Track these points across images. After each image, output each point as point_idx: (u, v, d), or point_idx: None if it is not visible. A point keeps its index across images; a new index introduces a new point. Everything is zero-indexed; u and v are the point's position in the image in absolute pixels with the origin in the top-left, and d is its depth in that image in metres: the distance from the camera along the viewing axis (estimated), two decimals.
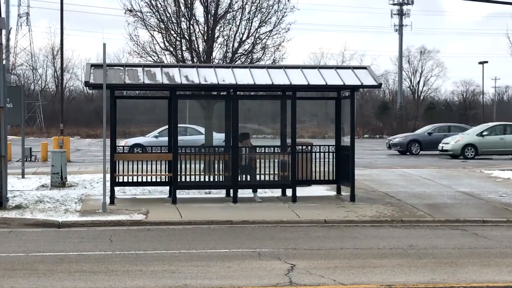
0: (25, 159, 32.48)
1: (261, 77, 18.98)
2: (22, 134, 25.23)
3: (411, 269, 11.46)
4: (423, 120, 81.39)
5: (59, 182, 21.51)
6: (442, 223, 16.79)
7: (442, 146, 38.41)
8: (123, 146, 21.35)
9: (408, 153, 41.38)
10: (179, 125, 36.18)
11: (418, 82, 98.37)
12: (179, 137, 33.61)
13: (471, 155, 37.24)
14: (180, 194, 20.24)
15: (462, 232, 15.57)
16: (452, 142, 37.92)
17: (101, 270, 11.25)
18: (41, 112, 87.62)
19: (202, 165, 19.50)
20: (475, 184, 22.91)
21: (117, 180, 19.60)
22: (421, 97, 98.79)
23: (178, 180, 19.04)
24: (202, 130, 31.42)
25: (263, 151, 19.74)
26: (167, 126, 35.50)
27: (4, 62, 18.03)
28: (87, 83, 18.49)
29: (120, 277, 10.76)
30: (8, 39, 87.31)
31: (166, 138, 33.13)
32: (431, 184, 22.86)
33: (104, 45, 17.69)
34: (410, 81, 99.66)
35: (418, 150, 41.45)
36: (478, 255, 12.83)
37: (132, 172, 19.73)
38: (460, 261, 12.11)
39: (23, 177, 23.86)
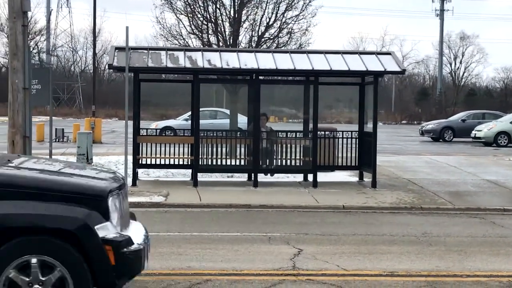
0: (56, 140, 33.05)
1: (284, 62, 18.98)
2: (50, 115, 25.38)
3: (418, 256, 11.43)
4: (463, 107, 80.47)
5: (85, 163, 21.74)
6: (462, 211, 16.69)
7: (475, 134, 38.07)
8: (153, 129, 21.65)
9: (441, 140, 41.09)
10: (209, 108, 36.67)
11: (458, 68, 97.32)
12: (209, 121, 34.14)
13: (504, 142, 36.86)
14: (203, 177, 20.36)
15: (480, 220, 15.48)
16: (485, 129, 37.56)
17: None
18: (81, 93, 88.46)
19: (224, 149, 19.57)
20: (502, 172, 22.71)
21: (140, 162, 19.82)
22: (461, 83, 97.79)
23: (200, 163, 19.17)
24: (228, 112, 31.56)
25: (284, 135, 19.76)
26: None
27: (30, 43, 18.21)
28: (110, 66, 18.68)
29: None
30: (48, 21, 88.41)
31: None
32: (456, 171, 22.71)
33: (127, 28, 17.83)
34: (451, 66, 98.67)
35: (451, 137, 41.13)
36: (490, 243, 12.75)
37: (156, 155, 19.92)
38: (470, 250, 12.05)
39: (50, 157, 24.11)
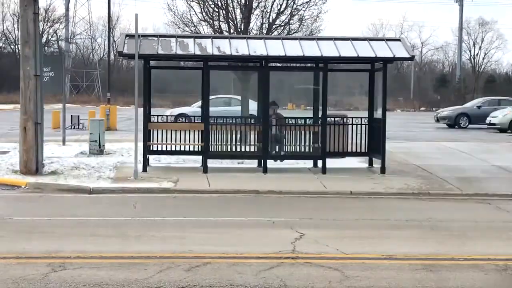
0: (72, 127, 33.34)
1: (293, 48, 19.08)
2: (63, 102, 25.79)
3: (419, 240, 11.55)
4: (483, 94, 79.87)
5: (97, 149, 22.01)
6: (469, 197, 16.74)
7: (490, 120, 37.96)
8: (167, 116, 21.80)
9: (456, 127, 41.00)
10: (223, 96, 36.79)
11: (477, 54, 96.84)
12: (223, 108, 34.27)
13: None
14: (214, 163, 20.53)
15: (486, 206, 15.55)
16: (500, 115, 37.44)
17: (114, 234, 11.60)
18: (99, 81, 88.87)
19: (234, 135, 19.69)
20: None
21: (151, 149, 20.03)
22: (481, 70, 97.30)
23: (209, 149, 19.34)
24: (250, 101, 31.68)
25: (294, 122, 19.88)
26: (212, 97, 36.11)
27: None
28: (120, 53, 18.85)
29: (131, 241, 11.09)
30: (67, 9, 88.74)
31: (211, 109, 33.70)
32: (467, 157, 22.74)
33: (136, 15, 17.99)
34: (470, 53, 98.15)
35: (467, 124, 41.04)
36: (492, 228, 12.85)
37: (166, 141, 20.10)
38: (471, 234, 12.16)
39: (63, 144, 24.45)
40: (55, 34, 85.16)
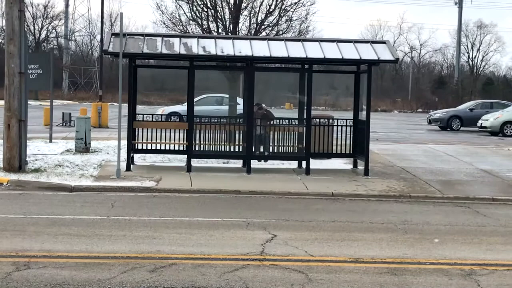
0: (64, 124, 33.38)
1: (278, 49, 19.11)
2: (51, 99, 25.81)
3: (390, 244, 11.58)
4: (480, 96, 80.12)
5: (83, 147, 22.06)
6: (450, 200, 16.78)
7: (481, 123, 37.98)
8: (158, 114, 21.89)
9: (448, 129, 41.03)
10: (215, 95, 36.78)
11: (475, 56, 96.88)
12: (215, 107, 34.29)
13: (510, 132, 36.76)
14: (199, 163, 20.62)
15: (465, 209, 15.57)
16: (491, 119, 37.46)
17: (86, 234, 11.62)
18: (97, 78, 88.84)
19: (218, 135, 19.70)
20: (497, 162, 22.75)
21: (136, 147, 20.07)
22: (479, 72, 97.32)
23: (194, 149, 19.38)
24: (240, 100, 31.72)
25: (278, 123, 19.92)
26: (204, 95, 36.18)
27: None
28: (105, 52, 18.89)
29: (101, 241, 11.12)
30: (66, 6, 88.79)
31: (203, 107, 33.83)
32: (452, 160, 22.77)
33: (121, 14, 18.05)
34: (468, 56, 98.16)
35: (459, 126, 41.06)
36: (466, 232, 12.87)
37: (151, 140, 20.14)
38: (443, 238, 12.18)
39: (50, 141, 24.48)
40: (54, 30, 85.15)
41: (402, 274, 9.64)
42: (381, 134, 34.40)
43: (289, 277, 9.37)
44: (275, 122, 19.97)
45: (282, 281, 9.15)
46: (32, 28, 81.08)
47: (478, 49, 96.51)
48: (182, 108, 36.39)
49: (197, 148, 19.50)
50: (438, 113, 43.47)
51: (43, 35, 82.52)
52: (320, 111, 52.85)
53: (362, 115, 20.43)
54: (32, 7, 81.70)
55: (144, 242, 11.11)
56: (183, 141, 20.10)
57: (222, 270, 9.53)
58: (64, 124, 34.27)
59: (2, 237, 11.22)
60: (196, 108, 32.77)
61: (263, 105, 20.49)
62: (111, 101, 56.53)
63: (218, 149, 19.71)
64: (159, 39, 19.37)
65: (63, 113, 35.53)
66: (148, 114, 21.02)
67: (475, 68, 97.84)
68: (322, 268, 9.82)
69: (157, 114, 22.15)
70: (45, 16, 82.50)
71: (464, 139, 33.78)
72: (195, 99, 36.74)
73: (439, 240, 11.94)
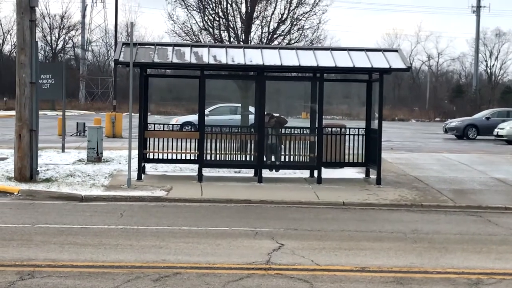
0: (78, 134, 33.48)
1: (289, 58, 19.08)
2: (63, 109, 25.89)
3: (398, 253, 11.48)
4: (499, 105, 79.61)
5: (95, 157, 22.10)
6: (462, 209, 16.65)
7: (497, 132, 37.73)
8: (171, 124, 21.96)
9: (464, 138, 40.81)
10: (229, 104, 36.79)
11: (493, 65, 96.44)
12: (229, 116, 34.29)
13: None
14: (211, 172, 20.59)
15: (476, 218, 15.44)
16: (507, 127, 37.21)
17: (92, 243, 11.60)
18: (113, 88, 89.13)
19: (230, 144, 19.65)
20: None
21: (148, 157, 20.07)
22: (497, 81, 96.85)
23: (206, 158, 19.36)
24: (252, 109, 31.71)
25: (290, 132, 19.87)
26: (218, 105, 36.21)
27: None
28: (116, 61, 18.91)
29: (107, 250, 11.09)
30: (83, 16, 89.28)
31: (217, 117, 33.88)
32: (466, 169, 22.60)
33: (132, 24, 18.07)
34: (486, 64, 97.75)
35: (475, 135, 40.84)
36: (476, 241, 12.75)
37: (162, 149, 20.14)
38: (452, 247, 12.07)
39: (63, 151, 24.54)
40: (71, 41, 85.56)
41: (408, 283, 9.55)
42: (396, 143, 34.24)
43: (294, 286, 9.30)
44: (287, 131, 19.89)
45: None
46: (49, 38, 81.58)
47: (496, 58, 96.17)
48: (195, 117, 36.29)
49: (208, 158, 19.48)
50: (454, 122, 43.24)
51: (60, 46, 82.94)
52: (336, 120, 52.77)
53: (375, 124, 20.33)
54: (49, 17, 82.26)
55: (150, 252, 11.08)
56: (195, 150, 20.07)
57: (227, 279, 9.47)
58: (78, 134, 34.38)
59: (8, 246, 11.22)
60: (210, 117, 33.20)
61: (274, 114, 20.41)
62: (126, 111, 56.64)
63: (229, 159, 19.68)
64: (170, 48, 19.39)
65: (77, 123, 35.66)
66: (159, 124, 21.01)
67: (493, 76, 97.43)
68: (328, 277, 9.74)
69: (169, 124, 22.13)
70: (62, 26, 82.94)
71: (480, 147, 33.58)
72: (209, 109, 37.05)
73: (448, 249, 11.82)
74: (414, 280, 9.72)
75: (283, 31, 23.91)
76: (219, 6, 23.51)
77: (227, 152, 19.63)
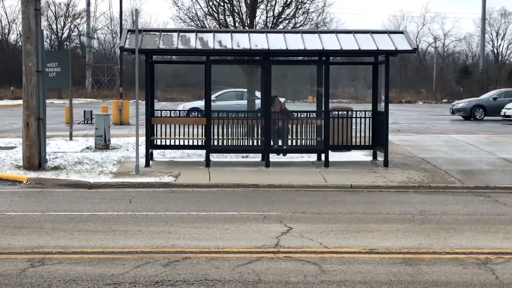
0: (85, 122, 33.56)
1: (295, 42, 19.06)
2: (70, 97, 25.93)
3: (406, 234, 11.51)
4: (506, 85, 79.41)
5: (103, 144, 22.15)
6: (469, 190, 16.67)
7: (505, 112, 37.66)
8: (178, 110, 22.03)
9: (471, 119, 40.74)
10: (235, 89, 36.78)
11: (499, 45, 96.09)
12: (235, 102, 34.30)
13: None
14: (218, 158, 20.64)
15: (484, 198, 15.46)
16: None
17: (102, 229, 11.67)
18: (119, 76, 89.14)
19: (237, 129, 19.69)
20: None
21: (155, 143, 20.12)
22: (504, 61, 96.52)
23: (212, 144, 19.41)
24: (258, 94, 31.69)
25: (296, 116, 19.88)
26: (224, 90, 36.19)
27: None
28: (121, 48, 18.92)
29: (117, 236, 11.16)
30: (88, 4, 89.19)
31: (223, 102, 33.90)
32: (473, 150, 22.59)
33: (136, 10, 18.08)
34: (493, 44, 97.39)
35: (482, 116, 40.77)
36: (484, 221, 12.77)
37: (170, 136, 20.18)
38: (460, 227, 12.09)
39: (70, 139, 24.61)
40: (76, 29, 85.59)
41: (416, 264, 9.58)
42: (403, 125, 34.20)
43: (302, 268, 9.34)
44: (293, 115, 19.91)
45: (295, 273, 9.13)
46: (54, 27, 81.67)
47: (503, 37, 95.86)
48: (202, 103, 36.28)
49: (215, 143, 19.54)
50: (461, 103, 43.16)
51: (65, 34, 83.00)
52: (342, 103, 52.77)
53: (381, 106, 20.33)
54: (54, 6, 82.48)
55: (160, 237, 11.13)
56: (202, 136, 20.11)
57: (236, 263, 9.52)
58: (85, 122, 34.45)
59: (19, 234, 11.29)
60: (217, 103, 33.21)
61: (280, 99, 20.43)
62: (133, 99, 56.68)
63: (236, 144, 19.71)
64: (175, 34, 19.39)
65: (84, 111, 35.72)
66: (166, 110, 21.04)
67: (500, 56, 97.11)
68: (336, 260, 9.79)
69: (175, 110, 22.16)
70: (67, 15, 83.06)
71: (487, 128, 33.54)
72: (216, 94, 37.04)
73: (456, 230, 11.85)
74: (423, 261, 9.76)
75: (288, 15, 23.89)
76: None
77: (234, 137, 19.66)
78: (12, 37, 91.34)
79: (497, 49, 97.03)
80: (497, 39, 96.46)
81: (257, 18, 23.87)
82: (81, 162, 19.40)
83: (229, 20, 23.76)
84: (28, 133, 18.36)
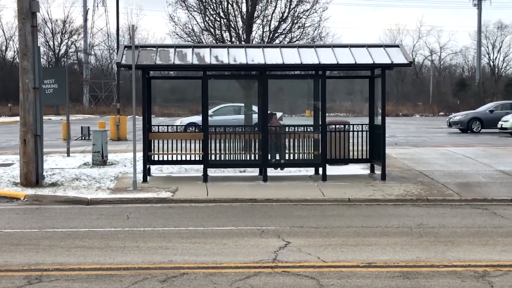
0: (83, 138, 33.56)
1: (291, 56, 19.10)
2: (67, 113, 25.93)
3: (404, 247, 11.50)
4: (502, 98, 79.56)
5: (100, 160, 22.15)
6: (467, 202, 16.67)
7: (501, 124, 37.72)
8: (176, 125, 22.00)
9: (468, 131, 40.80)
10: (233, 104, 36.81)
11: (496, 58, 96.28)
12: (233, 116, 34.31)
13: None
14: (216, 172, 20.63)
15: (482, 211, 15.45)
16: (511, 119, 37.17)
17: (99, 246, 11.65)
18: (116, 91, 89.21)
19: (233, 144, 19.68)
20: None
21: (153, 159, 20.12)
22: (501, 74, 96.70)
23: (210, 158, 19.41)
24: (255, 108, 31.71)
25: (293, 130, 19.89)
26: (222, 105, 36.23)
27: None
28: (118, 64, 18.96)
29: (114, 253, 11.14)
30: (85, 20, 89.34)
31: (221, 117, 33.91)
32: (471, 162, 22.60)
33: (133, 26, 18.13)
34: (489, 57, 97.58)
35: (479, 128, 40.82)
36: (482, 234, 12.76)
37: (167, 151, 20.19)
38: (458, 240, 12.09)
39: (68, 155, 24.61)
40: (73, 45, 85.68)
41: (414, 278, 9.57)
42: (400, 139, 34.21)
43: (300, 283, 9.33)
44: (291, 129, 19.91)
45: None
46: (51, 43, 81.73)
47: (499, 50, 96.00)
48: (199, 118, 36.34)
49: (213, 158, 19.53)
50: (458, 116, 43.22)
51: (62, 50, 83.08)
52: (339, 117, 52.79)
53: (378, 119, 20.35)
54: (51, 22, 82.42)
55: (157, 253, 11.11)
56: (199, 151, 20.11)
57: (234, 278, 9.51)
58: (83, 138, 34.46)
59: (16, 251, 11.27)
60: (214, 118, 33.22)
61: (276, 113, 20.48)
62: (131, 114, 56.67)
63: (234, 158, 19.71)
64: (171, 50, 19.42)
65: (81, 127, 35.74)
66: (163, 125, 21.05)
67: (496, 69, 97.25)
68: (334, 274, 9.77)
69: (173, 125, 22.16)
70: (64, 31, 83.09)
71: (484, 141, 33.56)
72: (213, 109, 37.06)
73: (454, 243, 11.84)
74: (421, 274, 9.75)
75: (284, 29, 23.96)
76: (220, 7, 23.57)
77: (232, 151, 19.66)
78: (9, 54, 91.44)
79: (493, 62, 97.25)
80: (493, 52, 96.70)
81: (253, 33, 23.94)
82: (78, 178, 19.39)
83: (226, 35, 23.83)
84: (25, 150, 18.35)
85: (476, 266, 10.16)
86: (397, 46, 20.09)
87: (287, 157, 19.98)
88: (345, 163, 21.47)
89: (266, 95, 19.26)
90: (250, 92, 23.71)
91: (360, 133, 20.58)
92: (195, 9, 23.81)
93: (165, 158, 20.41)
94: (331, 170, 20.41)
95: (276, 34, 24.01)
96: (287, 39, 23.95)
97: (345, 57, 19.15)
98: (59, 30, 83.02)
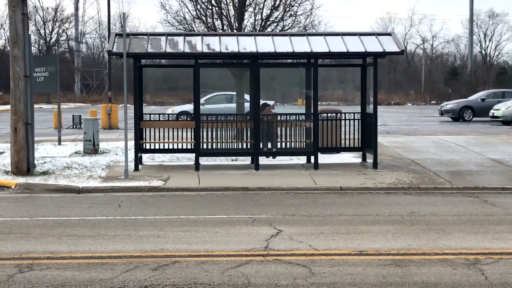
0: (74, 126, 33.47)
1: (283, 45, 19.06)
2: (58, 102, 25.85)
3: (395, 235, 11.51)
4: (494, 86, 79.55)
5: (91, 149, 22.10)
6: (459, 190, 16.70)
7: (493, 113, 37.78)
8: (168, 114, 21.98)
9: (460, 120, 40.86)
10: (225, 92, 36.73)
11: (487, 46, 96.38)
12: (225, 105, 34.24)
13: None
14: (208, 161, 20.62)
15: (473, 199, 15.48)
16: (503, 108, 37.26)
17: (91, 234, 11.63)
18: (108, 80, 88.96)
19: (225, 133, 19.67)
20: (508, 151, 22.57)
21: (145, 147, 20.09)
22: (492, 62, 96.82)
23: (202, 147, 19.38)
24: (247, 97, 31.63)
25: (285, 118, 19.87)
26: (213, 94, 36.14)
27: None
28: (109, 52, 18.89)
29: (106, 241, 11.12)
30: (76, 8, 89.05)
31: (213, 106, 33.85)
32: (462, 151, 22.63)
33: (124, 14, 18.05)
34: (481, 46, 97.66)
35: (471, 117, 40.89)
36: (473, 222, 12.78)
37: (159, 139, 20.16)
38: (449, 228, 12.11)
39: (59, 144, 24.55)
40: (64, 33, 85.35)
41: (406, 266, 9.58)
42: (392, 127, 34.25)
43: (292, 271, 9.33)
44: (283, 117, 19.90)
45: (285, 276, 9.11)
46: (42, 32, 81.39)
47: (491, 39, 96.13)
48: (191, 107, 36.20)
49: (205, 147, 19.51)
50: (449, 104, 43.27)
51: (53, 39, 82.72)
52: (331, 106, 52.74)
53: (370, 108, 20.34)
54: (42, 10, 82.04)
55: (149, 241, 11.10)
56: (191, 139, 20.08)
57: (225, 267, 9.50)
58: (74, 126, 34.37)
59: (7, 240, 11.24)
60: (206, 106, 33.16)
61: (268, 102, 20.46)
62: (122, 103, 56.62)
63: (226, 147, 19.70)
64: (163, 38, 19.36)
65: (73, 115, 35.65)
66: (155, 114, 21.00)
67: (488, 58, 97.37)
68: (326, 262, 9.78)
69: (164, 114, 22.12)
70: (55, 19, 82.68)
71: (476, 129, 33.63)
72: (205, 98, 36.96)
73: (445, 231, 11.86)
74: (412, 262, 9.76)
75: (276, 17, 23.90)
76: None
77: (224, 140, 19.64)
78: (0, 42, 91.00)
79: (485, 51, 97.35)
80: (485, 41, 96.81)
81: (245, 21, 23.88)
82: (69, 167, 19.34)
83: (217, 23, 23.76)
84: (16, 138, 18.29)
85: (467, 254, 10.18)
86: (389, 34, 20.06)
87: (279, 146, 19.96)
88: (337, 151, 21.49)
89: (258, 83, 19.23)
90: (242, 81, 23.65)
91: (352, 122, 20.60)
92: None
93: (157, 147, 20.36)
94: (323, 158, 20.42)
95: (268, 22, 23.94)
96: (279, 28, 23.89)
97: (337, 45, 19.12)
98: (50, 18, 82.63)
